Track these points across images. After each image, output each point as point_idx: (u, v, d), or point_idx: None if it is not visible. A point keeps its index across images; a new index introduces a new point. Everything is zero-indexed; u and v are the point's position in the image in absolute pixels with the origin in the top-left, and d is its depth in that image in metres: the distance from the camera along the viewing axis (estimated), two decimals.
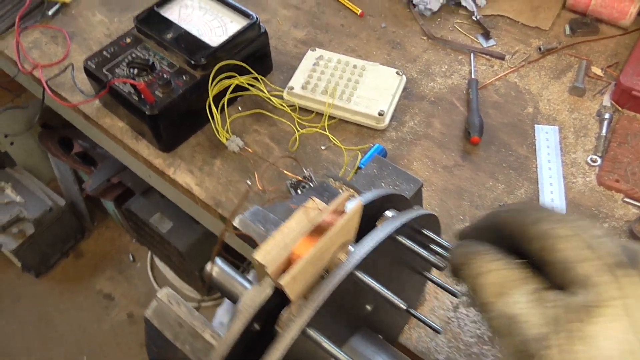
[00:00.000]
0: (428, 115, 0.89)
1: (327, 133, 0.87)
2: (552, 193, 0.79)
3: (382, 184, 0.68)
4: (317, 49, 0.94)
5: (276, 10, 1.06)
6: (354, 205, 0.38)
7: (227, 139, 0.86)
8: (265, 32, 0.91)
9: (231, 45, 0.87)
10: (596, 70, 0.92)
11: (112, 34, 1.05)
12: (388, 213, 0.43)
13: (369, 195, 0.42)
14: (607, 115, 0.85)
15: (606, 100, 0.88)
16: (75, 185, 1.87)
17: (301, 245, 0.37)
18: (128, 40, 0.90)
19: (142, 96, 0.82)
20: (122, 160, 1.08)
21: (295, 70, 0.92)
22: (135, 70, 0.84)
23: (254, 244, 0.44)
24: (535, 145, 0.85)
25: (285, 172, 0.83)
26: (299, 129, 0.88)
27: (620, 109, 0.87)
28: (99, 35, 1.05)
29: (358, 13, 1.03)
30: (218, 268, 0.43)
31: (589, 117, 0.87)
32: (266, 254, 0.37)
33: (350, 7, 1.05)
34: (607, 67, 0.92)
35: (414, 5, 1.02)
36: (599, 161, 0.82)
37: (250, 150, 0.87)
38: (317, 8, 1.06)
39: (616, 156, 0.81)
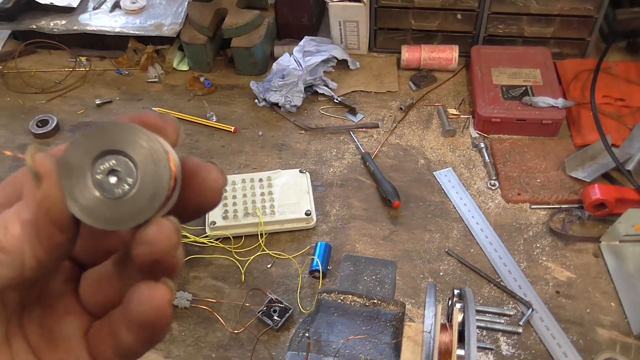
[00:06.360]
0: (344, 198, 0.95)
1: (268, 251, 0.88)
2: (478, 224, 0.90)
3: (365, 277, 0.72)
4: None
5: None
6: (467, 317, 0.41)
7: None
8: None
9: None
10: (452, 111, 1.07)
11: None
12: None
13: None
14: (482, 145, 1.00)
15: (473, 132, 1.03)
16: None
17: None
18: None
19: None
20: None
21: None
22: None
23: None
24: (443, 189, 0.95)
25: (247, 305, 0.82)
26: (237, 258, 0.87)
27: (486, 135, 1.02)
28: None
29: (232, 130, 1.07)
30: None
31: (469, 151, 1.01)
32: None
33: (223, 127, 1.07)
34: (459, 106, 1.08)
35: (280, 107, 1.09)
36: (497, 183, 0.95)
37: (201, 298, 0.83)
38: (189, 139, 1.07)
39: (507, 174, 0.95)
